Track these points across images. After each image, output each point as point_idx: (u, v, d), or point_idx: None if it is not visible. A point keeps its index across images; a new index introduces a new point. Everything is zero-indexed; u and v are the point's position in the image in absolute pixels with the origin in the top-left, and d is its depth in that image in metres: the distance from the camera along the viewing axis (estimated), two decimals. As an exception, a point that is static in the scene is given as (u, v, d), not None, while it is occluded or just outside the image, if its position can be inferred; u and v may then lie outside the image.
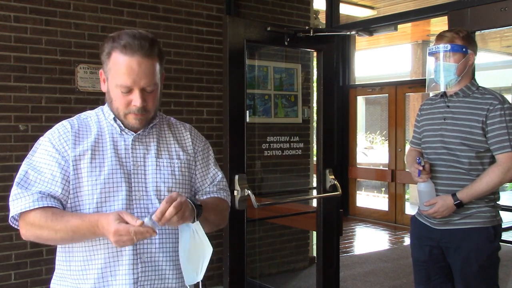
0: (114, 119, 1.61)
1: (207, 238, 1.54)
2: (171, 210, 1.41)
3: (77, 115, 1.68)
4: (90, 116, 1.66)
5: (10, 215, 1.54)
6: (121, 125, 1.60)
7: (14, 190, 1.53)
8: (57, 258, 1.65)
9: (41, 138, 1.61)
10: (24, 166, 1.57)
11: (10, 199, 1.53)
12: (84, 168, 1.54)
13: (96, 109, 1.68)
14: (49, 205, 1.50)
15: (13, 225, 1.57)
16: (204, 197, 1.72)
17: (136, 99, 1.53)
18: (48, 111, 3.70)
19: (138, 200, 1.57)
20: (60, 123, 1.62)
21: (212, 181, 1.76)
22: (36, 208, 1.48)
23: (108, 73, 1.55)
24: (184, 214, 1.45)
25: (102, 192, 1.53)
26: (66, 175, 1.53)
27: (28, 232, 1.52)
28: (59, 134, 1.58)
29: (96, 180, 1.53)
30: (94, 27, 3.84)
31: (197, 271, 1.55)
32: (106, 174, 1.54)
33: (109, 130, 1.61)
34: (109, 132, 1.61)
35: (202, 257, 1.54)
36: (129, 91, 1.52)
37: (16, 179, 1.55)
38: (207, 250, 1.53)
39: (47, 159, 1.55)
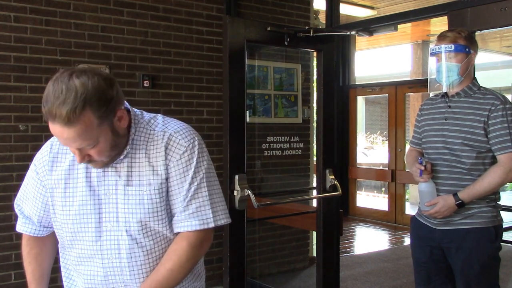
0: None
1: None
2: None
3: None
4: None
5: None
6: None
7: (16, 204, 1.68)
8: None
9: (35, 156, 1.64)
10: (25, 181, 1.68)
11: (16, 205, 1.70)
12: (58, 198, 1.54)
13: None
14: (30, 233, 1.66)
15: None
16: (176, 230, 1.53)
17: (76, 156, 1.43)
18: (48, 111, 3.69)
19: (109, 232, 1.50)
20: (46, 143, 1.62)
21: (182, 203, 1.51)
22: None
23: None
24: None
25: (74, 223, 1.52)
26: (45, 200, 1.60)
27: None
28: (41, 157, 1.60)
29: (69, 210, 1.52)
30: (94, 27, 3.84)
31: None
32: (77, 206, 1.51)
33: None
34: None
35: None
36: None
37: (19, 194, 1.69)
38: None
39: (32, 183, 1.63)
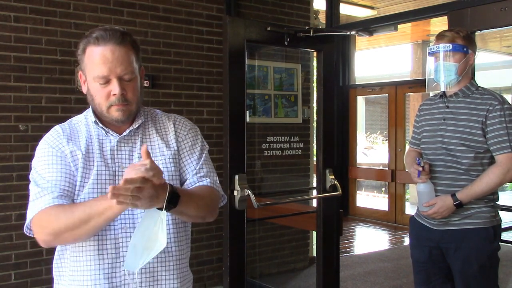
0: (96, 122, 1.60)
1: (165, 233, 1.46)
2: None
3: (69, 119, 1.68)
4: (80, 120, 1.66)
5: (27, 221, 1.54)
6: (104, 127, 1.60)
7: (33, 192, 1.54)
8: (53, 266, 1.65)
9: (38, 146, 1.62)
10: (33, 181, 1.56)
11: (31, 199, 1.54)
12: (79, 168, 1.55)
13: (85, 111, 1.67)
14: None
15: (27, 234, 1.57)
16: (188, 187, 1.65)
17: (114, 88, 1.52)
18: (48, 111, 3.69)
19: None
20: (52, 129, 1.64)
21: (194, 169, 1.67)
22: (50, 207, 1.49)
23: (86, 70, 1.56)
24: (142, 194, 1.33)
25: (90, 193, 1.53)
26: (71, 170, 1.54)
27: (44, 230, 1.49)
28: (53, 137, 1.60)
29: (85, 182, 1.54)
30: (94, 27, 3.82)
31: (139, 260, 1.48)
32: (93, 176, 1.54)
33: (96, 132, 1.61)
34: (96, 134, 1.61)
35: (150, 248, 1.47)
36: (107, 81, 1.52)
37: (32, 196, 1.53)
38: (160, 243, 1.46)
39: (50, 159, 1.56)
